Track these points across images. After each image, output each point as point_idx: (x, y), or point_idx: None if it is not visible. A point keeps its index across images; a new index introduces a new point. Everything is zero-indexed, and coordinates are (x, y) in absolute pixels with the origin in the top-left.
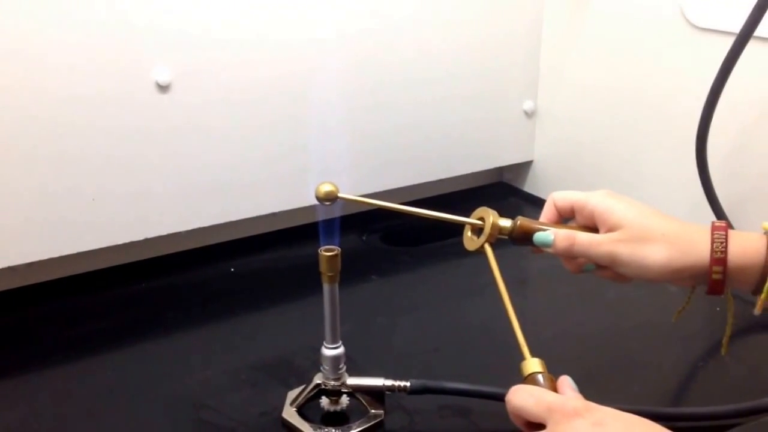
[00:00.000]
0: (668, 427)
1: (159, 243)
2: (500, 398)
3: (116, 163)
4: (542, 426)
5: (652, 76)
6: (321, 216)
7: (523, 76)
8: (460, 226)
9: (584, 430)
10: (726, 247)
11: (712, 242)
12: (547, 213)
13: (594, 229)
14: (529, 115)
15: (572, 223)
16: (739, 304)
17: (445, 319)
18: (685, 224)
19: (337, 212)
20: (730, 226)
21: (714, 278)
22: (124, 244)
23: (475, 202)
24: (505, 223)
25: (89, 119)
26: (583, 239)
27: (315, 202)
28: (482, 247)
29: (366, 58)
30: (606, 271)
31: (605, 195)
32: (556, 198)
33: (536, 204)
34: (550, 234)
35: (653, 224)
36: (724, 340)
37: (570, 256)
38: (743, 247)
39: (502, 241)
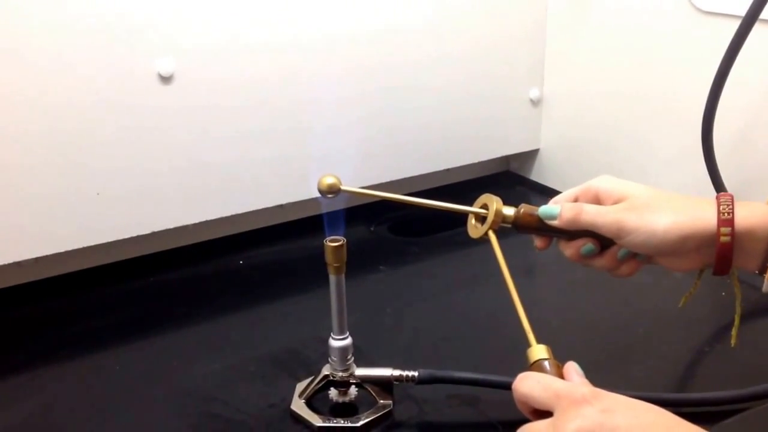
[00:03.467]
0: (674, 413)
1: (166, 237)
2: (508, 387)
3: (121, 157)
4: (549, 413)
5: (657, 61)
6: (325, 207)
7: (529, 64)
8: (467, 216)
9: (592, 417)
10: (733, 209)
11: (719, 205)
12: None
13: None
14: (535, 103)
15: None
16: (744, 288)
17: (452, 308)
18: (689, 196)
19: (341, 203)
20: None
21: (722, 241)
22: (131, 238)
23: (481, 192)
24: (509, 210)
25: (92, 112)
26: (590, 208)
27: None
28: (486, 234)
29: (371, 49)
30: (602, 259)
31: (607, 176)
32: (557, 198)
33: (543, 192)
34: (556, 206)
35: (658, 194)
36: (734, 332)
37: (576, 227)
38: (749, 211)
39: (506, 231)
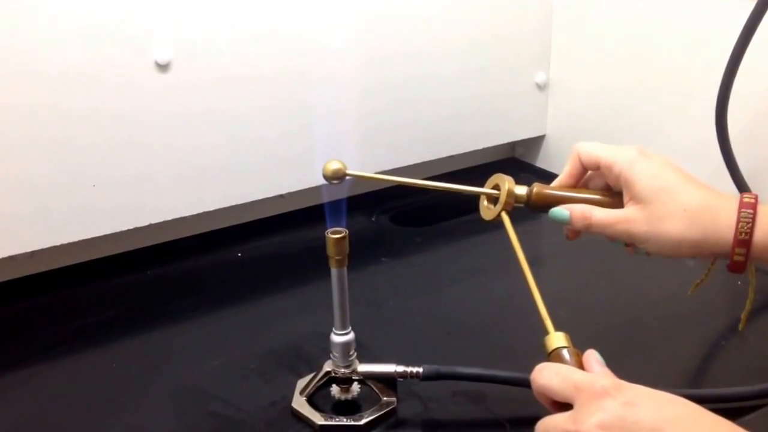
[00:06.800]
0: None
1: (163, 229)
2: (516, 383)
3: (116, 147)
4: (570, 406)
5: (669, 43)
6: (327, 197)
7: (535, 47)
8: (473, 203)
9: (614, 410)
10: (752, 228)
11: (738, 222)
12: (571, 166)
13: (618, 192)
14: (542, 87)
15: (596, 180)
16: (761, 277)
17: (458, 301)
18: (711, 197)
19: (343, 192)
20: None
21: (736, 260)
22: (128, 231)
23: (486, 178)
24: (521, 190)
25: (87, 102)
26: (600, 217)
27: (322, 182)
28: (499, 215)
29: (373, 34)
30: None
31: (634, 156)
32: (581, 151)
33: (549, 179)
34: (565, 210)
35: (677, 198)
36: (743, 315)
37: (587, 233)
38: None
39: (513, 221)
